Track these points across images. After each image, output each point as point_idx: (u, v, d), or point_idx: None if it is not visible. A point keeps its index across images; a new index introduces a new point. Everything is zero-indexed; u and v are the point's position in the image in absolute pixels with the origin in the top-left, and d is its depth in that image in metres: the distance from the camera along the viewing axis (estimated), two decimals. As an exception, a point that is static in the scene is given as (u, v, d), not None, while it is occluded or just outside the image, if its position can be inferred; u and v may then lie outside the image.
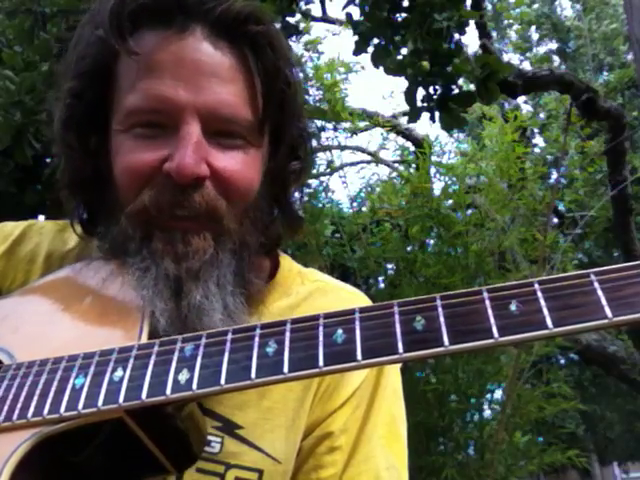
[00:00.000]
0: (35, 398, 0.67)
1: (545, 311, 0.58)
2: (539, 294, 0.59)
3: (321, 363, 0.61)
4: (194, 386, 0.63)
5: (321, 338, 0.63)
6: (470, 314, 0.60)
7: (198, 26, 0.82)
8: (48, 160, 3.54)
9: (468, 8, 3.70)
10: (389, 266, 5.92)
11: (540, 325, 0.58)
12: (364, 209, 7.04)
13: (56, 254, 0.96)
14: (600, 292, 0.57)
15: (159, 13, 0.82)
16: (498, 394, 4.98)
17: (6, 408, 0.67)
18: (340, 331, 0.63)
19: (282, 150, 0.89)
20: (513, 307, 0.59)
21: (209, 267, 0.79)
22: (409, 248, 5.46)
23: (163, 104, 0.79)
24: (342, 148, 7.52)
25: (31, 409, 0.66)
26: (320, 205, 6.21)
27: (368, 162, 9.24)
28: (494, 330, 0.58)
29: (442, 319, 0.60)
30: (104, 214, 0.86)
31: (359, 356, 0.60)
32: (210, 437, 0.82)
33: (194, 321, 0.77)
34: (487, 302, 0.60)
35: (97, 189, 0.87)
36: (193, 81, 0.80)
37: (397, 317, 0.62)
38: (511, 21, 13.27)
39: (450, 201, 5.26)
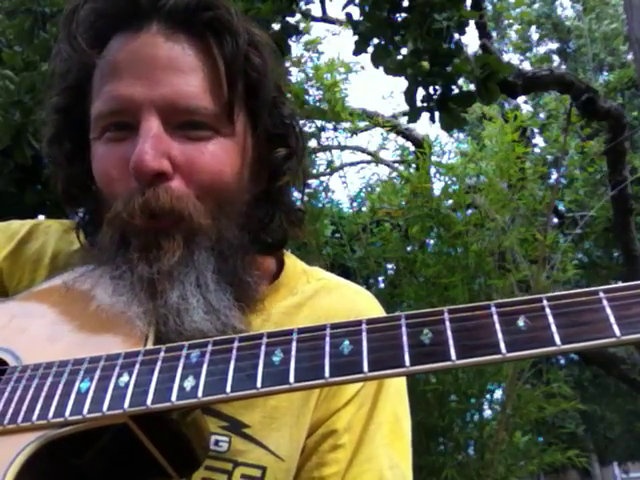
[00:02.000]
0: (40, 401, 0.67)
1: (553, 328, 0.58)
2: (547, 310, 0.59)
3: (327, 374, 0.61)
4: (199, 393, 0.63)
5: (327, 349, 0.63)
6: (478, 329, 0.60)
7: (153, 22, 0.82)
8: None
9: (468, 8, 3.69)
10: (389, 266, 5.93)
11: (548, 342, 0.57)
12: (364, 209, 7.04)
13: (62, 254, 0.96)
14: (609, 310, 0.57)
15: (114, 16, 0.83)
16: (498, 394, 4.99)
17: (11, 410, 0.67)
18: (347, 342, 0.62)
19: (259, 137, 0.87)
20: (521, 323, 0.59)
21: (184, 268, 0.78)
22: (409, 248, 5.46)
23: (121, 104, 0.79)
24: (342, 148, 7.52)
25: (36, 412, 0.66)
26: (320, 205, 6.21)
27: (368, 162, 9.25)
28: (502, 346, 0.58)
29: (449, 333, 0.60)
30: (98, 222, 0.85)
31: (365, 368, 0.60)
32: (218, 437, 0.82)
33: (176, 321, 0.75)
34: (495, 317, 0.60)
35: (89, 199, 0.88)
36: (149, 76, 0.79)
37: (404, 329, 0.62)
38: (511, 21, 13.27)
39: (450, 201, 5.26)
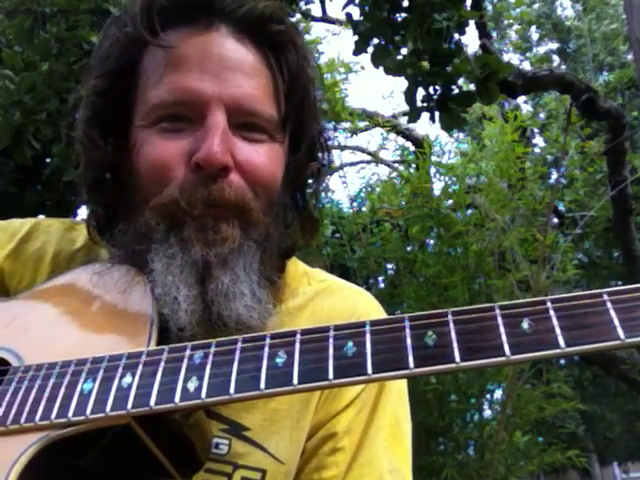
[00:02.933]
0: (43, 402, 0.67)
1: (557, 330, 0.58)
2: (551, 312, 0.59)
3: (331, 376, 0.61)
4: (203, 395, 0.63)
5: (331, 350, 0.62)
6: (482, 331, 0.60)
7: (222, 24, 0.84)
8: (48, 160, 3.54)
9: (468, 8, 3.69)
10: (389, 266, 5.92)
11: (552, 344, 0.57)
12: (364, 209, 7.04)
13: (63, 254, 0.96)
14: (613, 312, 0.57)
15: (186, 11, 0.84)
16: (498, 394, 4.99)
17: (14, 411, 0.67)
18: (350, 344, 0.62)
19: (302, 149, 0.90)
20: (525, 325, 0.59)
21: (237, 254, 0.80)
22: (409, 248, 5.46)
23: (189, 96, 0.81)
24: (342, 148, 7.53)
25: (39, 413, 0.66)
26: (320, 205, 6.19)
27: (368, 162, 9.25)
28: (506, 348, 0.58)
29: (454, 335, 0.60)
30: (123, 213, 0.85)
31: (369, 370, 0.60)
32: (218, 439, 0.82)
33: (221, 306, 0.77)
34: (499, 319, 0.60)
35: (115, 188, 0.87)
36: (219, 74, 0.81)
37: (408, 331, 0.62)
38: (511, 21, 13.27)
39: (450, 201, 5.26)
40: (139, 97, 0.85)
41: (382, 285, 5.98)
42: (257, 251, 0.82)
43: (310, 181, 0.94)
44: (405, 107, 4.26)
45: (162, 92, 0.81)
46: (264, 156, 0.83)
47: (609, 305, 0.58)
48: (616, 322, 0.56)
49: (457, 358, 0.58)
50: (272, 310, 0.82)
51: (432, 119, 3.43)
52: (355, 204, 6.99)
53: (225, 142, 0.79)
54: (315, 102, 0.91)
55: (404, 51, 3.49)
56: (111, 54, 0.86)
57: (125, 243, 0.83)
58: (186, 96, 0.81)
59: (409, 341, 0.61)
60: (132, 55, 0.85)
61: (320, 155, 0.94)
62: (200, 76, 0.81)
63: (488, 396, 4.93)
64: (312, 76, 0.90)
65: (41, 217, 1.02)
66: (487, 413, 4.96)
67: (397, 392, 0.92)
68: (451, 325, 0.61)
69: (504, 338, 0.58)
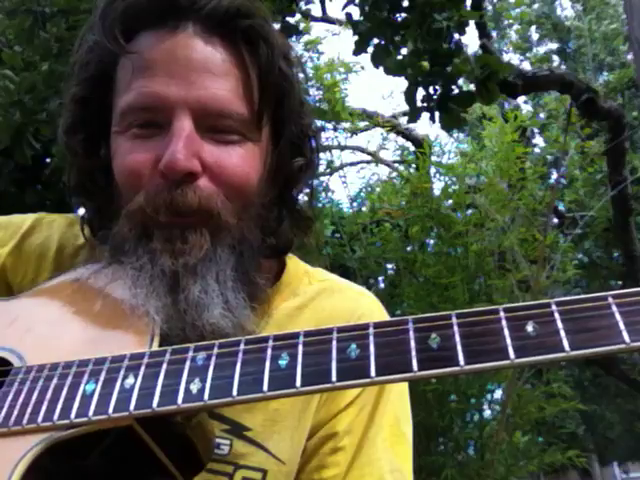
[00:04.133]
0: (45, 403, 0.67)
1: (562, 333, 0.57)
2: (556, 315, 0.58)
3: (334, 378, 0.60)
4: (206, 397, 0.62)
5: (334, 353, 0.62)
6: (486, 334, 0.59)
7: (189, 23, 0.82)
8: (48, 160, 3.54)
9: (468, 8, 3.69)
10: (389, 266, 5.93)
11: (557, 348, 0.57)
12: (364, 209, 7.04)
13: (67, 250, 0.96)
14: (618, 316, 0.56)
15: (152, 14, 0.83)
16: (498, 394, 4.99)
17: (16, 412, 0.67)
18: (354, 346, 0.62)
19: (282, 146, 0.88)
20: (530, 328, 0.58)
21: (207, 263, 0.78)
22: (409, 248, 5.46)
23: (155, 101, 0.79)
24: (342, 148, 7.53)
25: (41, 414, 0.66)
26: (320, 205, 6.21)
27: (368, 162, 9.26)
28: (510, 351, 0.57)
29: (458, 338, 0.59)
30: (108, 217, 0.85)
31: (373, 372, 0.60)
32: (219, 440, 0.82)
33: (194, 316, 0.76)
34: (503, 322, 0.59)
35: (102, 193, 0.87)
36: (185, 77, 0.80)
37: (412, 334, 0.61)
38: (511, 21, 13.26)
39: (450, 201, 5.26)
40: (114, 103, 0.84)
41: (382, 285, 5.99)
42: (231, 256, 0.81)
43: (299, 176, 0.91)
44: (405, 107, 4.27)
45: (130, 98, 0.81)
46: (235, 157, 0.81)
47: (614, 308, 0.57)
48: (621, 326, 0.56)
49: (461, 361, 0.58)
50: (250, 315, 0.80)
51: (432, 119, 3.43)
52: (355, 204, 7.00)
53: (190, 147, 0.78)
54: (297, 97, 0.88)
55: (404, 51, 3.49)
56: (89, 60, 0.86)
57: (106, 254, 0.83)
58: (151, 101, 0.79)
59: (413, 344, 0.60)
60: (108, 61, 0.84)
61: (309, 151, 0.92)
62: (166, 80, 0.79)
63: (488, 396, 4.93)
64: (290, 70, 0.87)
65: (43, 213, 1.01)
66: (487, 413, 4.96)
67: (398, 392, 0.92)
68: (455, 328, 0.60)
69: (508, 341, 0.58)
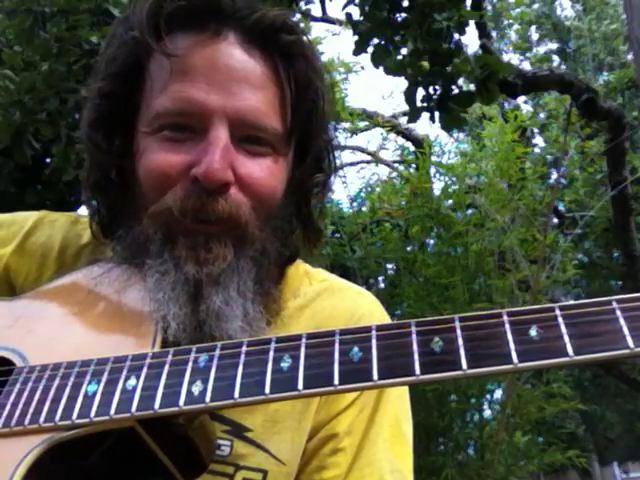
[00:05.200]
0: (47, 403, 0.66)
1: (566, 338, 0.57)
2: (560, 320, 0.58)
3: (336, 381, 0.60)
4: (207, 398, 0.62)
5: (337, 355, 0.61)
6: (489, 338, 0.59)
7: (231, 32, 0.82)
8: (48, 160, 3.54)
9: (468, 8, 3.69)
10: (389, 266, 5.93)
11: (560, 352, 0.56)
12: (364, 209, 7.04)
13: (70, 250, 0.95)
14: (622, 321, 0.56)
15: (194, 17, 0.82)
16: (498, 394, 4.99)
17: (18, 412, 0.67)
18: (356, 349, 0.62)
19: (308, 161, 0.89)
20: (533, 332, 0.58)
21: (230, 273, 0.79)
22: (409, 248, 5.46)
23: (193, 107, 0.79)
24: (342, 148, 7.52)
25: (43, 414, 0.66)
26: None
27: (368, 162, 9.26)
28: (513, 355, 0.57)
29: (461, 341, 0.59)
30: (125, 216, 0.85)
31: (375, 376, 0.59)
32: (220, 441, 0.82)
33: (212, 327, 0.76)
34: (507, 326, 0.59)
35: (120, 191, 0.87)
36: (224, 86, 0.80)
37: (414, 337, 0.61)
38: (511, 21, 13.26)
39: (450, 201, 5.26)
40: (144, 102, 0.84)
41: (382, 285, 5.99)
42: (252, 268, 0.81)
43: (315, 191, 0.92)
44: (405, 107, 4.26)
45: (166, 101, 0.80)
46: (266, 170, 0.82)
47: (618, 313, 0.57)
48: (625, 331, 0.55)
49: (464, 365, 0.57)
50: (265, 327, 0.81)
51: (432, 119, 3.43)
52: (355, 204, 6.99)
53: (226, 157, 0.78)
54: (324, 114, 0.89)
55: (404, 51, 3.49)
56: (117, 56, 0.85)
57: (125, 247, 0.83)
58: (190, 107, 0.79)
59: (415, 347, 0.60)
60: (138, 58, 0.84)
61: (326, 166, 0.92)
62: (205, 87, 0.79)
63: (488, 396, 4.93)
64: (322, 88, 0.88)
65: (45, 211, 1.01)
66: (487, 413, 4.97)
67: (398, 393, 0.92)
68: (458, 331, 0.60)
69: (512, 345, 0.57)
